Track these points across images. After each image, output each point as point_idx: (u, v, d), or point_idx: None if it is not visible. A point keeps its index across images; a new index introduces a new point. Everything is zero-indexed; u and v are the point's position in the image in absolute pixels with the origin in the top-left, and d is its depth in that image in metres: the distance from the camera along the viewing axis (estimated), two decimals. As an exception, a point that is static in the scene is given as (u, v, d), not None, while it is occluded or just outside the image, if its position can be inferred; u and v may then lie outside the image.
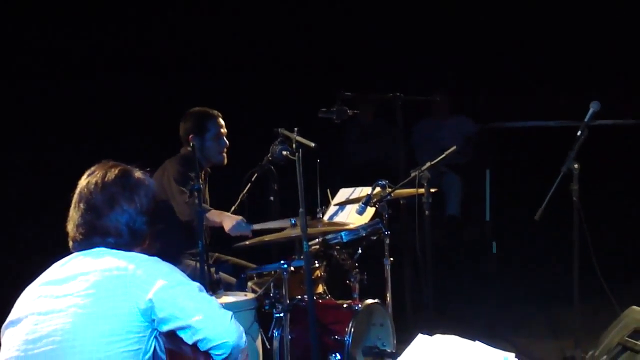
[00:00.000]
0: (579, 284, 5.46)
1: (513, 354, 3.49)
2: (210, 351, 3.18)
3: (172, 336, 3.17)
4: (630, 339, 4.90)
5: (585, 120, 5.42)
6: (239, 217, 5.35)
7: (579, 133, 5.42)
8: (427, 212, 5.56)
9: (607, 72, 9.80)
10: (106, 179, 3.27)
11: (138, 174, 3.35)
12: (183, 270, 3.30)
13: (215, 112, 5.80)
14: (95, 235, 3.23)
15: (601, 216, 7.37)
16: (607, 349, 5.04)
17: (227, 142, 5.77)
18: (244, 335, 3.24)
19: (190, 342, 3.15)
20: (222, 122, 5.78)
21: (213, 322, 3.14)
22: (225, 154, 5.77)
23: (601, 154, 8.34)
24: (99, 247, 3.22)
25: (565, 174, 5.41)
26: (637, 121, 9.60)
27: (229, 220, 5.35)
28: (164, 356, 3.18)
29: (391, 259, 5.59)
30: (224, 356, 3.19)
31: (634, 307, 5.22)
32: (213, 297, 3.30)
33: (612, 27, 9.98)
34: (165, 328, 3.12)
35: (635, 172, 9.41)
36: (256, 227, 5.31)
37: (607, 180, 8.94)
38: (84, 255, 3.21)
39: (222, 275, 5.43)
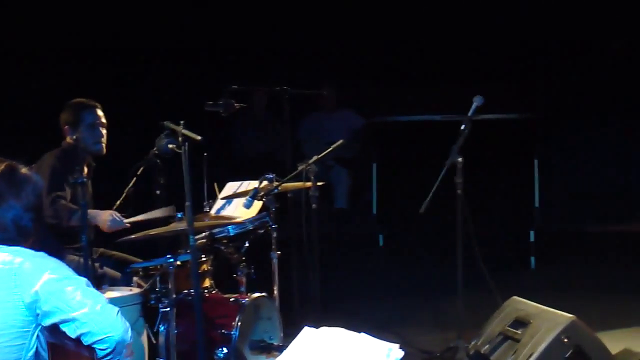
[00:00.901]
0: (462, 276, 5.58)
1: (397, 345, 3.54)
2: (94, 345, 3.14)
3: (55, 330, 3.13)
4: (510, 329, 5.03)
5: (469, 114, 5.54)
6: (112, 212, 5.32)
7: (462, 127, 5.53)
8: (314, 205, 5.59)
9: (491, 66, 10.02)
10: None
11: (24, 170, 3.31)
12: (67, 266, 3.27)
13: (92, 102, 5.68)
14: None
15: (484, 208, 7.54)
16: (489, 339, 5.16)
17: (103, 132, 5.65)
18: (129, 330, 3.22)
19: (73, 335, 3.12)
20: (99, 112, 5.66)
21: (98, 316, 3.12)
22: (102, 144, 5.65)
23: (485, 148, 8.52)
24: None
25: (449, 168, 5.51)
26: (520, 115, 9.84)
27: (103, 217, 5.32)
28: (45, 354, 3.14)
29: (278, 252, 5.61)
30: (108, 351, 3.16)
31: (515, 297, 5.36)
32: (100, 293, 3.28)
33: (494, 23, 10.22)
34: (49, 321, 3.09)
35: (517, 165, 9.65)
36: (130, 220, 5.31)
37: (490, 173, 9.14)
38: None
39: (107, 270, 5.38)
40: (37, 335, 3.11)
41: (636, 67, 10.21)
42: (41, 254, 3.19)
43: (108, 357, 3.18)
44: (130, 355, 3.30)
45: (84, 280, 3.19)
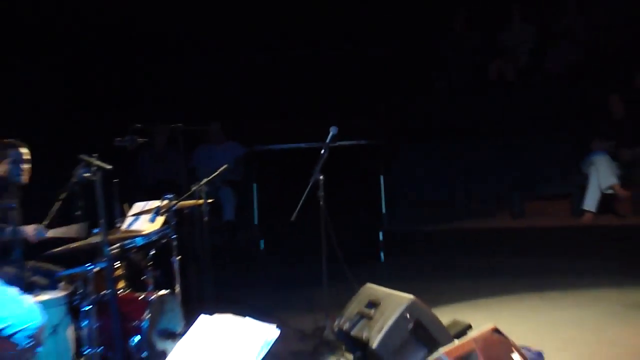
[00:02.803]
0: (327, 269, 5.65)
1: (274, 325, 3.61)
2: (16, 335, 3.03)
3: None
4: (365, 309, 5.09)
5: (327, 141, 5.64)
6: (36, 226, 5.32)
7: (322, 152, 5.63)
8: (205, 218, 5.62)
9: (344, 102, 10.20)
10: None
11: None
12: (3, 276, 3.19)
13: (18, 142, 5.61)
14: None
15: (342, 215, 7.65)
16: (349, 318, 5.21)
17: (24, 167, 5.57)
18: (44, 313, 3.12)
19: None
20: (23, 150, 5.60)
21: (14, 309, 3.01)
22: (23, 177, 5.59)
23: (341, 168, 8.65)
24: None
25: (313, 184, 5.60)
26: (368, 141, 10.00)
27: (29, 230, 5.31)
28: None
29: (178, 257, 5.61)
30: (29, 334, 3.05)
31: (369, 284, 5.44)
32: (12, 289, 3.14)
33: (348, 70, 10.43)
34: None
35: (367, 181, 9.82)
36: (51, 233, 5.32)
37: (346, 188, 9.26)
38: None
39: (37, 278, 5.28)
40: None
41: (459, 98, 10.58)
42: None
43: (32, 343, 3.08)
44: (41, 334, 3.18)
45: None
